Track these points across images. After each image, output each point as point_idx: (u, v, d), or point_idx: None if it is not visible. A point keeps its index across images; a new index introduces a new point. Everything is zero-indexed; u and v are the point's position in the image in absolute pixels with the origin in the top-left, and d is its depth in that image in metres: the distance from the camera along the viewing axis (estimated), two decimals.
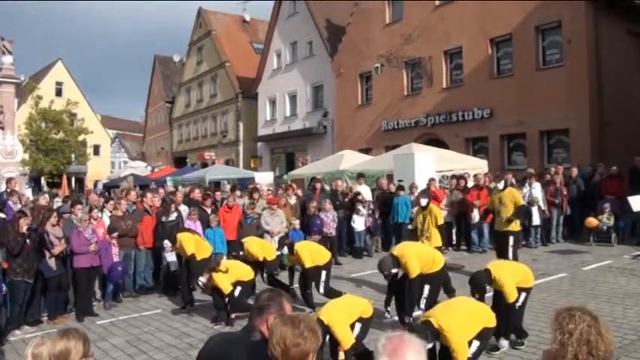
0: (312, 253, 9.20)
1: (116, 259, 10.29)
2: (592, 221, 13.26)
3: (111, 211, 11.18)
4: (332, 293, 9.02)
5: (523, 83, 20.15)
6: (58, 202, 14.72)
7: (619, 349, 6.23)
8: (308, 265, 9.01)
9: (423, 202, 9.90)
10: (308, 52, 32.70)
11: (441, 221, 10.10)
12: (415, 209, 9.88)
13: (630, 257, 12.01)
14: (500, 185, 10.83)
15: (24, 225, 8.53)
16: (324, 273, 9.14)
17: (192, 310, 9.67)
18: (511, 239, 10.21)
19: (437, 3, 23.72)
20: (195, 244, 9.77)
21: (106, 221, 10.76)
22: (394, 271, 7.67)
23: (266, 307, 2.97)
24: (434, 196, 13.89)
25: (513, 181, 13.65)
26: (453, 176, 15.55)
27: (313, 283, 9.14)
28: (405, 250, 7.85)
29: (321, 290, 9.11)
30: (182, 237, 9.80)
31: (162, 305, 10.20)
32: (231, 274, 8.58)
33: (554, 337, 2.47)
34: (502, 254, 10.11)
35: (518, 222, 10.42)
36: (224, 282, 8.49)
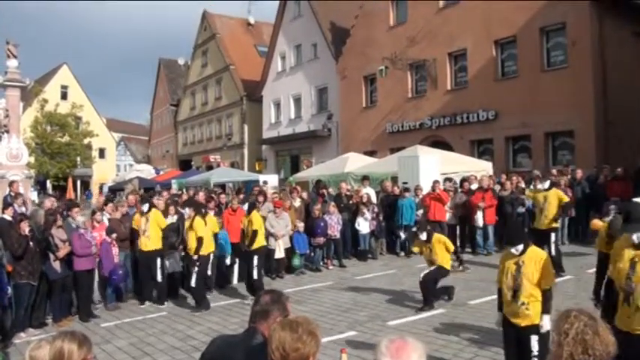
0: (262, 226, 10.71)
1: (116, 260, 10.33)
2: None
3: (110, 214, 11.23)
4: (260, 285, 10.05)
5: (528, 85, 20.10)
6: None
7: None
8: (257, 227, 10.34)
9: (423, 236, 9.31)
10: (312, 54, 32.72)
11: (451, 247, 9.45)
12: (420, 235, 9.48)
13: None
14: (546, 185, 11.17)
15: (25, 227, 8.57)
16: (256, 258, 10.16)
17: (196, 312, 9.69)
18: (553, 236, 10.86)
19: (441, 5, 23.72)
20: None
21: (106, 224, 10.86)
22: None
23: (270, 311, 2.96)
24: (438, 198, 13.90)
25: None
26: (462, 179, 15.46)
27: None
28: None
29: (255, 276, 10.09)
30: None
31: (167, 308, 10.21)
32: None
33: (552, 337, 2.50)
34: None
35: (559, 219, 11.34)
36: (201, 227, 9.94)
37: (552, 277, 5.24)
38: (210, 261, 10.70)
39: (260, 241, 10.46)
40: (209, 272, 10.82)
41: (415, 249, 9.98)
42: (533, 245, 5.40)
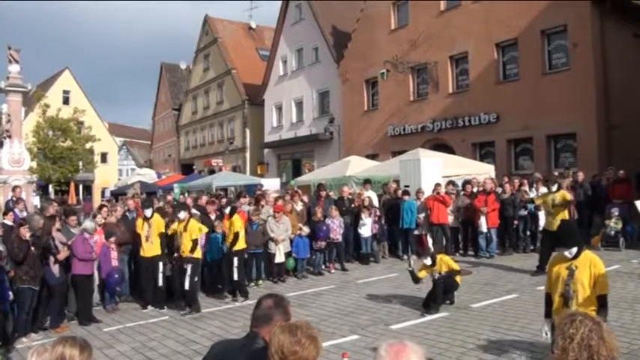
0: (242, 228, 11.04)
1: (115, 263, 10.36)
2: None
3: (105, 218, 11.24)
4: (241, 285, 10.77)
5: (529, 88, 20.08)
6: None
7: (627, 354, 6.18)
8: (237, 230, 10.79)
9: (427, 262, 9.28)
10: (314, 58, 32.74)
11: (456, 267, 9.40)
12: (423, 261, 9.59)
13: (638, 262, 11.92)
14: (554, 188, 11.46)
15: (25, 232, 8.58)
16: (236, 259, 10.65)
17: (198, 317, 9.68)
18: None
19: (442, 8, 23.74)
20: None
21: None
22: None
23: (271, 315, 2.95)
24: (441, 200, 13.89)
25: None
26: (465, 182, 15.43)
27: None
28: None
29: (235, 277, 10.63)
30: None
31: (169, 312, 10.21)
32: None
33: (556, 342, 2.47)
34: (548, 254, 10.32)
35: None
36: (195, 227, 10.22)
37: (607, 283, 4.99)
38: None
39: (240, 244, 10.88)
40: (195, 278, 10.80)
41: (421, 274, 9.38)
42: (587, 250, 5.17)
